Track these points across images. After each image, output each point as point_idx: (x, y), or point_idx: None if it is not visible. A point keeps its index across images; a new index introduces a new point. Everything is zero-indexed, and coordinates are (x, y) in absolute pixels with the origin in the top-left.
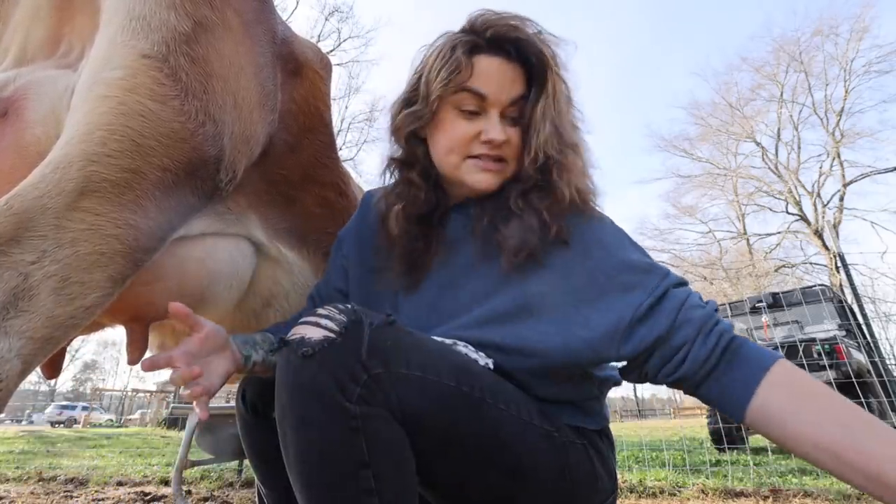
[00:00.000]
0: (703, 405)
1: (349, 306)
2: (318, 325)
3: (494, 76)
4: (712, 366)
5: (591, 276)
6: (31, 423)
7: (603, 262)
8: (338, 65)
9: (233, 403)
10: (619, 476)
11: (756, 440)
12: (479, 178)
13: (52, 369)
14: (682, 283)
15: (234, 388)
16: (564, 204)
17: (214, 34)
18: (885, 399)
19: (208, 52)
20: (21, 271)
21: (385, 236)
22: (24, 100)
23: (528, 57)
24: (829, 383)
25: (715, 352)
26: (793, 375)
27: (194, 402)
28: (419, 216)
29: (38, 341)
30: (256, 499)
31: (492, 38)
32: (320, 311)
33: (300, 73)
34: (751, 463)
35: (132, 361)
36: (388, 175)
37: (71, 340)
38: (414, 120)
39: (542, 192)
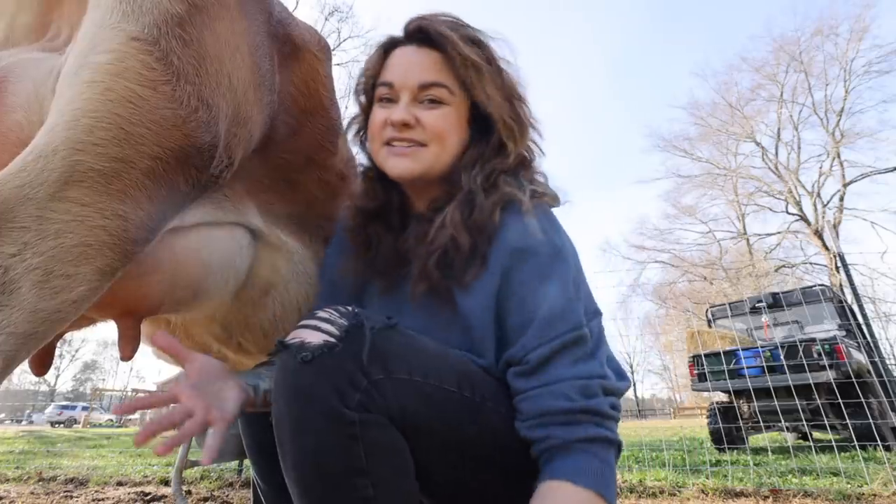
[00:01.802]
0: (703, 405)
1: (350, 309)
2: (317, 328)
3: (402, 64)
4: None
5: (505, 299)
6: (31, 423)
7: (519, 288)
8: (338, 65)
9: None
10: (618, 476)
11: (756, 440)
12: (393, 163)
13: (41, 366)
14: (580, 340)
15: None
16: (482, 214)
17: (209, 14)
18: (885, 399)
19: (202, 34)
20: (0, 264)
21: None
22: (5, 82)
23: (432, 40)
24: (829, 383)
25: (536, 444)
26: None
27: (210, 431)
28: (366, 210)
29: (20, 337)
30: (252, 494)
31: (406, 32)
32: (321, 314)
33: (297, 56)
34: (751, 463)
35: (125, 357)
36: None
37: (60, 336)
38: (353, 122)
39: (464, 203)
